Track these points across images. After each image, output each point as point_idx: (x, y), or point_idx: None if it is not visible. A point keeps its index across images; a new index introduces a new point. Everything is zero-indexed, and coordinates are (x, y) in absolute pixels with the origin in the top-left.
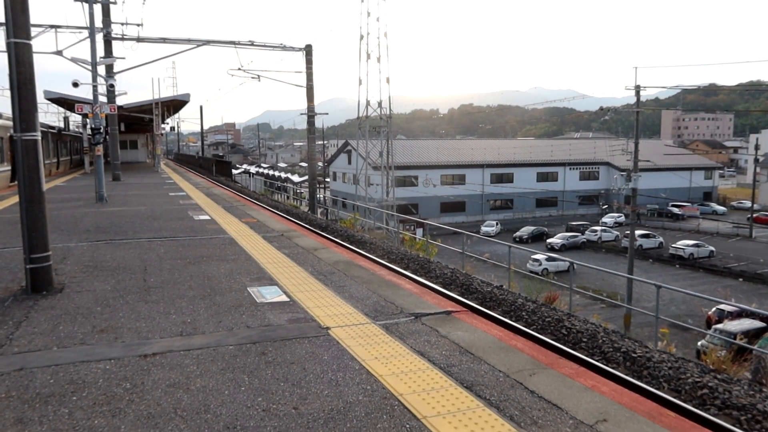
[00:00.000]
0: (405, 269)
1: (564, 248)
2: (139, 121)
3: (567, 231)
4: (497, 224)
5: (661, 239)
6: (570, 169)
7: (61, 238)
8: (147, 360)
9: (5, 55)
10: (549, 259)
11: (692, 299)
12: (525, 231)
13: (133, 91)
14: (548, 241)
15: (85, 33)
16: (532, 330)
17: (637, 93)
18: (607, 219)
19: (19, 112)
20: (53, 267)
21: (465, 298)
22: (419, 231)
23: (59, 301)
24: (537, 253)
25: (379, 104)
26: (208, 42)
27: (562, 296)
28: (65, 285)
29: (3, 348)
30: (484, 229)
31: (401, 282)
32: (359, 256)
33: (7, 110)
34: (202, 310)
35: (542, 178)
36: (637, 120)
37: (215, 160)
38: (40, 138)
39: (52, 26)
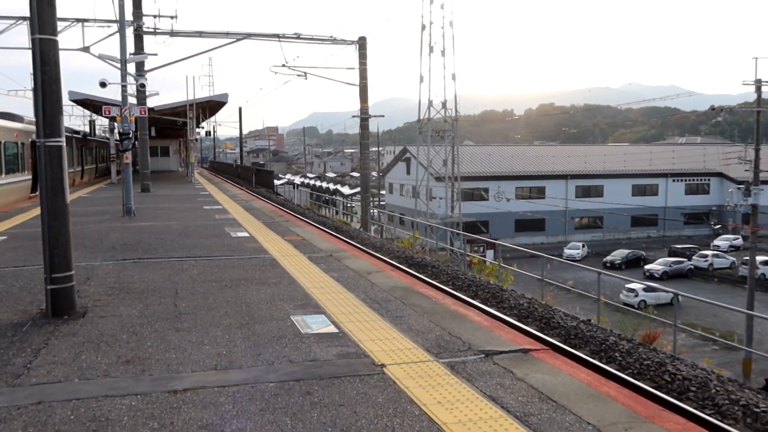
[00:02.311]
0: (473, 298)
1: (666, 276)
2: (171, 125)
3: (670, 256)
4: (583, 246)
5: None
6: (673, 180)
7: (84, 256)
8: (177, 396)
9: (24, 53)
10: (647, 289)
11: None
12: (618, 255)
13: (164, 91)
14: (646, 267)
15: (114, 27)
16: (628, 375)
17: (758, 89)
18: (720, 242)
19: (43, 115)
20: (76, 288)
21: (545, 334)
22: (490, 253)
23: (82, 327)
24: (632, 282)
25: (444, 105)
26: (248, 35)
27: (664, 335)
28: (88, 309)
29: (20, 378)
30: (567, 251)
31: (469, 313)
32: (419, 282)
33: (27, 113)
34: (239, 341)
35: (639, 191)
36: (758, 121)
37: (255, 169)
38: (64, 144)
39: (78, 20)
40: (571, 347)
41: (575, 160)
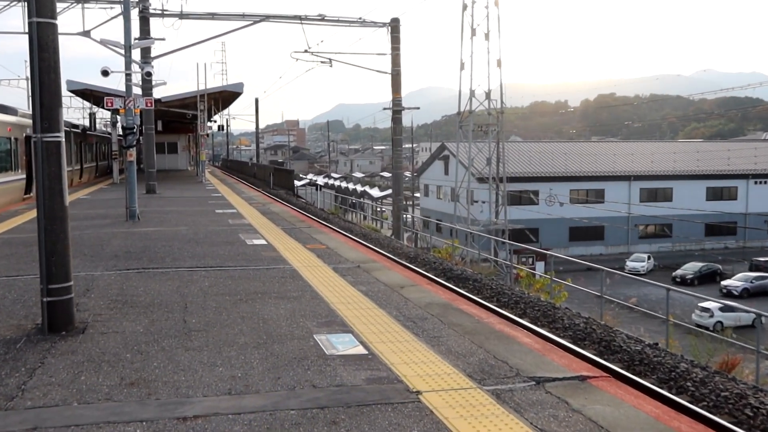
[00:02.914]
0: (521, 317)
1: (747, 294)
2: (179, 119)
3: (751, 270)
4: (649, 258)
5: None
6: (755, 183)
7: (84, 265)
8: (187, 424)
9: (20, 38)
10: (725, 308)
11: None
12: (689, 269)
13: (172, 80)
14: (723, 283)
15: (118, 8)
16: (702, 408)
17: None
18: None
19: (41, 107)
20: (75, 301)
21: (605, 360)
22: (540, 265)
23: (81, 345)
24: (707, 300)
25: (487, 95)
26: (266, 17)
27: (744, 362)
28: (88, 324)
29: (14, 401)
30: (630, 264)
31: (517, 334)
32: (459, 298)
33: (21, 104)
34: (256, 362)
35: (714, 195)
36: None
37: (273, 168)
38: (63, 140)
39: (77, 0)
40: (635, 375)
41: (640, 158)
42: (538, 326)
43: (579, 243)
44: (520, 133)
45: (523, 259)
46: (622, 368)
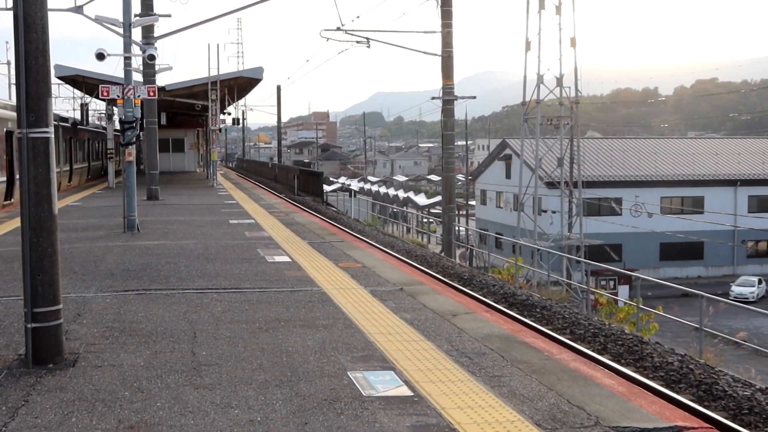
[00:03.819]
0: (601, 353)
1: None
2: (187, 110)
3: None
4: (760, 283)
5: None
6: None
7: (74, 285)
8: None
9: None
10: None
11: None
12: None
13: (179, 65)
14: None
15: None
16: None
17: None
18: None
19: (26, 97)
20: (64, 328)
21: (704, 407)
22: (623, 290)
23: (72, 380)
24: None
25: (559, 81)
26: None
27: None
28: (80, 355)
29: None
30: (737, 289)
31: (595, 374)
32: (525, 329)
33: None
34: (279, 404)
35: None
36: None
37: (298, 170)
38: (53, 136)
39: None
40: (743, 426)
41: (748, 158)
42: (621, 365)
43: (672, 263)
44: (598, 128)
45: (603, 282)
46: (726, 418)
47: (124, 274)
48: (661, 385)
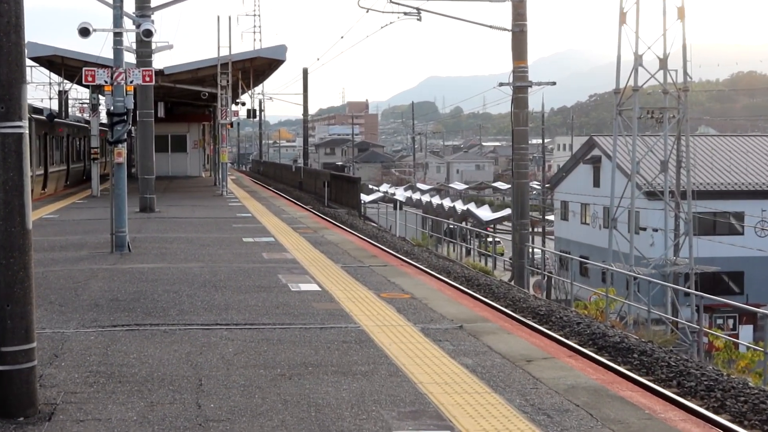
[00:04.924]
0: (717, 412)
1: None
2: (190, 100)
3: None
4: None
5: None
6: None
7: (50, 319)
8: None
9: None
10: None
11: None
12: None
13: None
14: None
15: None
16: None
17: None
18: None
19: None
20: (38, 372)
21: None
22: (746, 330)
23: None
24: None
25: (663, 63)
26: None
27: None
28: (57, 406)
29: None
30: None
31: None
32: (619, 379)
33: None
34: None
35: None
36: None
37: (329, 175)
38: (27, 131)
39: None
40: None
41: None
42: (745, 428)
43: None
44: (714, 123)
45: (719, 321)
46: None
47: (111, 304)
48: None
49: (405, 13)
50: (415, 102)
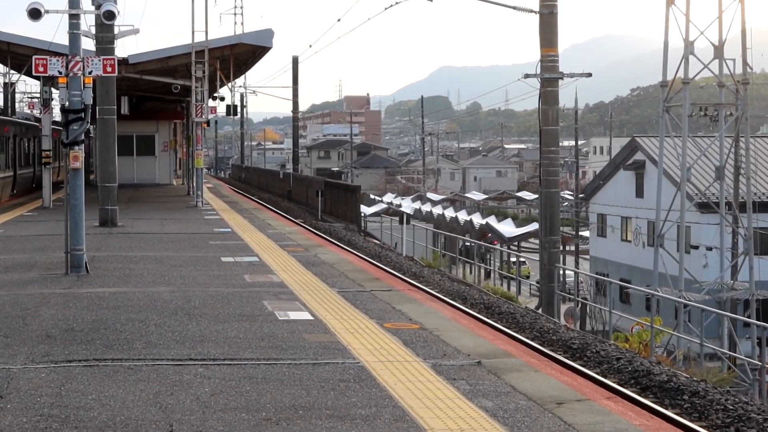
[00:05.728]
0: None
1: None
2: (160, 94)
3: None
4: None
5: None
6: None
7: None
8: None
9: None
10: None
11: None
12: None
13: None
14: None
15: None
16: None
17: None
18: None
19: None
20: None
21: None
22: None
23: None
24: None
25: (718, 51)
26: None
27: None
28: None
29: None
30: None
31: None
32: (666, 425)
33: None
34: None
35: None
36: None
37: (324, 183)
38: None
39: None
40: None
41: None
42: None
43: None
44: None
45: None
46: None
47: (66, 336)
48: None
49: None
50: (426, 96)
